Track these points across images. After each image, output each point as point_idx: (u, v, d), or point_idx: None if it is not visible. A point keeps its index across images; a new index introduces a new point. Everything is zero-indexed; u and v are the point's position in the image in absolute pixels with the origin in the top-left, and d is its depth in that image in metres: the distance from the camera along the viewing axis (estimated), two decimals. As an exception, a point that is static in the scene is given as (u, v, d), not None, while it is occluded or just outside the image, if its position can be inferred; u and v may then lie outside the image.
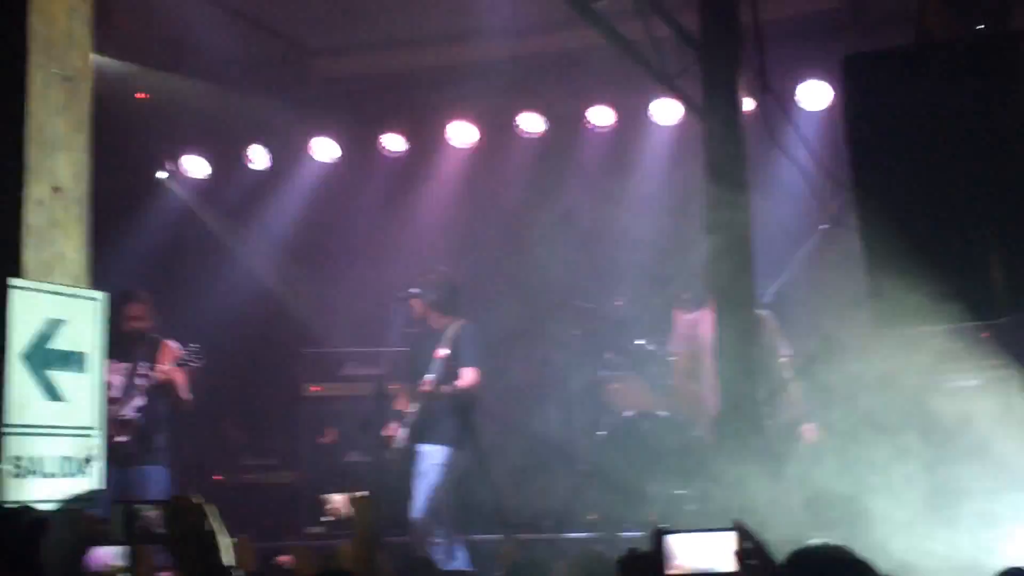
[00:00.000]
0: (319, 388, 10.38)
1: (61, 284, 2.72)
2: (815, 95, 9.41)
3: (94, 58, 3.00)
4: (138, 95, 10.28)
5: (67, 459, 2.71)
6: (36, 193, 2.71)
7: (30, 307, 2.63)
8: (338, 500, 4.62)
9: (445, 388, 8.13)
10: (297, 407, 10.49)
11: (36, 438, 2.64)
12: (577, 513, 9.48)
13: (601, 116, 10.35)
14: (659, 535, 3.34)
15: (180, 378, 8.61)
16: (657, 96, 9.75)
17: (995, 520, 7.55)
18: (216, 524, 2.78)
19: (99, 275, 3.06)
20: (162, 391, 8.52)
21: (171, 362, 8.45)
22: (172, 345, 8.71)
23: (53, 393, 2.69)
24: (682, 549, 3.39)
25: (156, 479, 8.58)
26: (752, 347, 6.77)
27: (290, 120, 10.90)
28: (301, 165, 11.24)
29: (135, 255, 10.77)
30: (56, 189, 2.73)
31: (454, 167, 11.07)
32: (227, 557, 2.90)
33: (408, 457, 8.40)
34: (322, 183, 11.30)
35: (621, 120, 10.31)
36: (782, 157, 7.08)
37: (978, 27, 5.85)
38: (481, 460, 6.91)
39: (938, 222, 5.20)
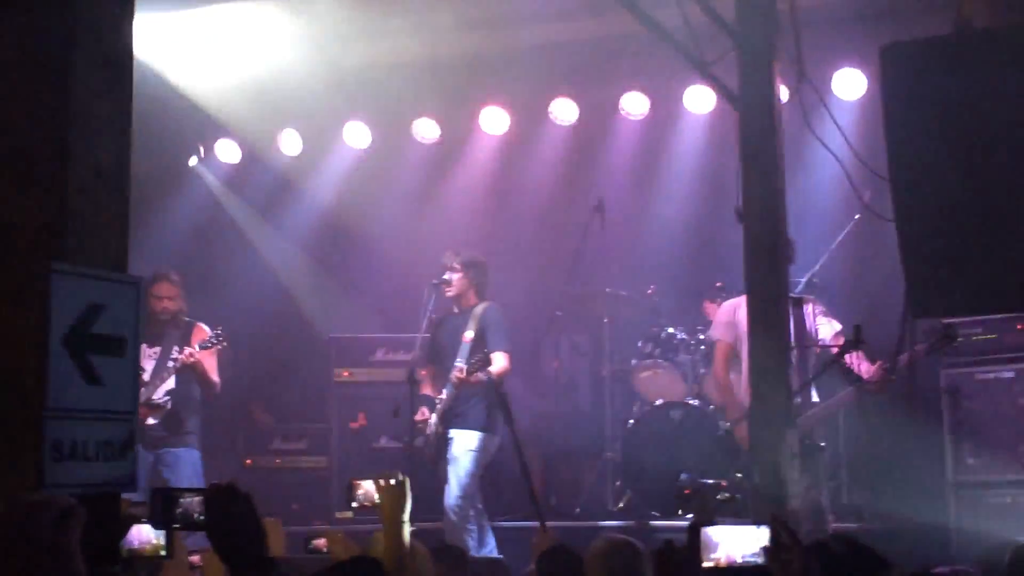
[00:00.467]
0: (349, 374, 10.42)
1: (102, 268, 2.72)
2: (851, 83, 9.34)
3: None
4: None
5: (106, 443, 2.72)
6: (78, 177, 2.71)
7: (72, 291, 2.63)
8: (369, 485, 4.60)
9: (480, 376, 8.12)
10: (328, 392, 10.52)
11: (76, 422, 2.65)
12: (607, 501, 9.50)
13: (635, 103, 10.30)
14: (696, 527, 3.34)
15: (209, 361, 8.65)
16: (692, 84, 9.71)
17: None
18: None
19: (131, 259, 3.07)
20: (191, 374, 8.57)
21: (196, 343, 8.50)
22: (205, 328, 8.76)
23: (93, 377, 2.69)
24: (718, 541, 3.39)
25: (187, 461, 8.64)
26: (784, 339, 6.74)
27: (323, 105, 10.90)
28: (333, 151, 11.25)
29: (166, 239, 10.83)
30: (98, 174, 2.73)
31: (486, 154, 11.06)
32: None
33: (439, 443, 8.42)
34: (354, 169, 11.31)
35: (655, 108, 10.27)
36: (818, 145, 7.02)
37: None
38: (517, 446, 6.89)
39: (976, 212, 5.16)
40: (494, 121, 10.73)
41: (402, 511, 4.47)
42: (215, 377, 8.76)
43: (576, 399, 10.58)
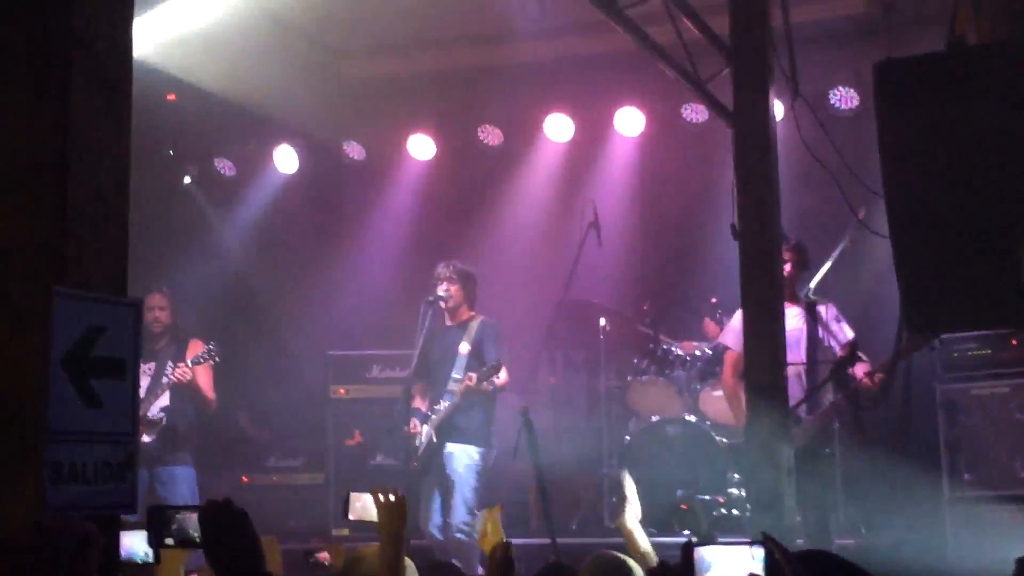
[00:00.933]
0: (345, 391, 10.41)
1: (102, 291, 2.72)
2: (846, 100, 9.38)
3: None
4: (168, 97, 10.34)
5: (106, 465, 2.72)
6: (78, 200, 2.71)
7: (72, 314, 2.63)
8: (367, 499, 4.60)
9: (487, 385, 8.11)
10: (324, 409, 10.52)
11: (76, 444, 2.65)
12: (603, 517, 9.49)
13: (630, 120, 10.33)
14: (689, 548, 3.33)
15: (204, 377, 8.62)
16: (687, 100, 9.74)
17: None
18: None
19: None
20: (186, 390, 8.55)
21: (189, 359, 8.47)
22: (200, 343, 8.73)
23: (93, 400, 2.69)
24: (712, 561, 3.38)
25: (183, 479, 8.60)
26: (780, 355, 6.75)
27: (319, 122, 10.93)
28: (328, 167, 11.27)
29: (162, 258, 10.83)
30: (98, 196, 2.73)
31: (482, 170, 11.09)
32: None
33: (430, 453, 8.39)
34: (349, 185, 11.34)
35: (650, 124, 10.30)
36: (812, 161, 7.05)
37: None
38: (539, 472, 6.87)
39: (971, 228, 5.17)
40: (489, 137, 10.76)
41: (400, 526, 4.47)
42: (211, 393, 8.73)
43: (572, 415, 10.57)
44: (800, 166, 7.48)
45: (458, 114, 10.80)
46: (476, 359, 8.37)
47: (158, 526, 2.92)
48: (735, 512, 8.75)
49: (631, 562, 4.73)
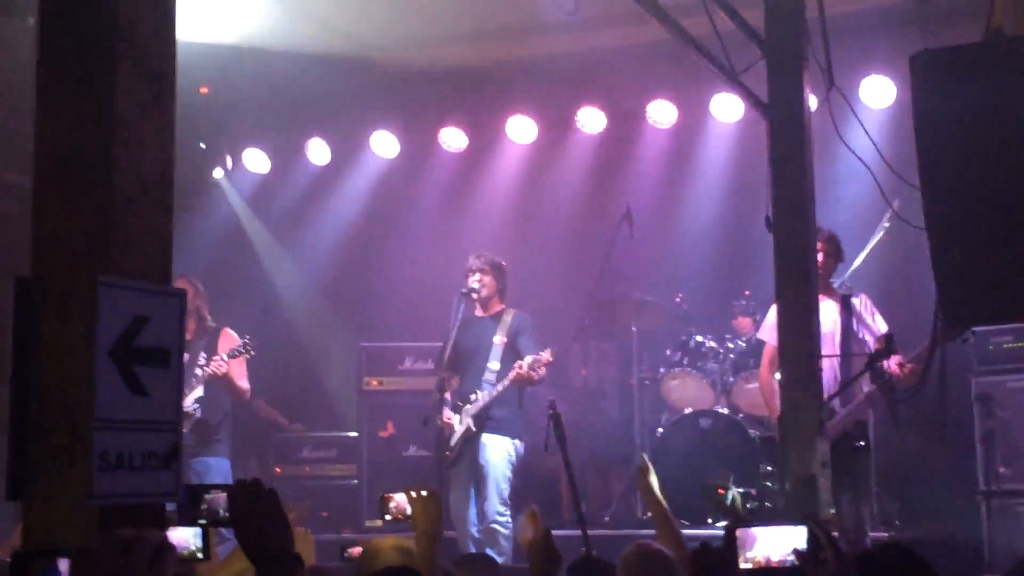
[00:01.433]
0: (378, 382, 10.45)
1: (147, 281, 2.75)
2: (880, 91, 9.34)
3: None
4: (201, 89, 10.40)
5: (152, 454, 2.75)
6: (123, 191, 2.74)
7: (117, 304, 2.66)
8: (401, 497, 4.63)
9: (534, 374, 8.15)
10: (356, 401, 10.56)
11: (122, 433, 2.68)
12: (636, 509, 9.50)
13: (663, 112, 10.31)
14: (732, 528, 3.34)
15: (238, 369, 8.68)
16: (720, 92, 9.71)
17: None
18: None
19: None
20: (220, 382, 8.60)
21: (224, 353, 8.52)
22: (232, 333, 8.78)
23: (138, 388, 2.72)
24: (755, 542, 3.39)
25: (217, 470, 8.66)
26: (815, 347, 6.73)
27: (351, 115, 10.97)
28: (361, 160, 11.30)
29: (195, 249, 10.90)
30: (143, 187, 2.76)
31: (514, 163, 11.10)
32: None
33: (467, 443, 8.43)
34: (382, 178, 11.37)
35: (683, 116, 10.28)
36: (847, 153, 7.02)
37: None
38: (568, 466, 6.88)
39: (1007, 220, 5.15)
40: (521, 130, 10.75)
41: (434, 523, 4.50)
42: (245, 384, 8.79)
43: (605, 408, 10.59)
44: (835, 157, 7.46)
45: (490, 107, 10.81)
46: (511, 351, 8.41)
47: (188, 505, 2.96)
48: (768, 504, 8.74)
49: (669, 552, 4.75)
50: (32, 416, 2.68)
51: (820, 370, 6.74)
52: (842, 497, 7.29)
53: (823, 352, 6.99)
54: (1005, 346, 8.14)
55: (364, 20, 9.89)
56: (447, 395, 8.58)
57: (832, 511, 6.73)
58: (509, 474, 8.34)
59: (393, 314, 11.16)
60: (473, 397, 8.42)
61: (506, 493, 8.31)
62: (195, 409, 8.58)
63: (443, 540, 4.49)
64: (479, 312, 8.73)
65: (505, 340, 8.48)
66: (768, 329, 8.31)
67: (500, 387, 8.31)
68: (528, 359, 8.17)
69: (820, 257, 7.63)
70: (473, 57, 10.46)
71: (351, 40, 10.24)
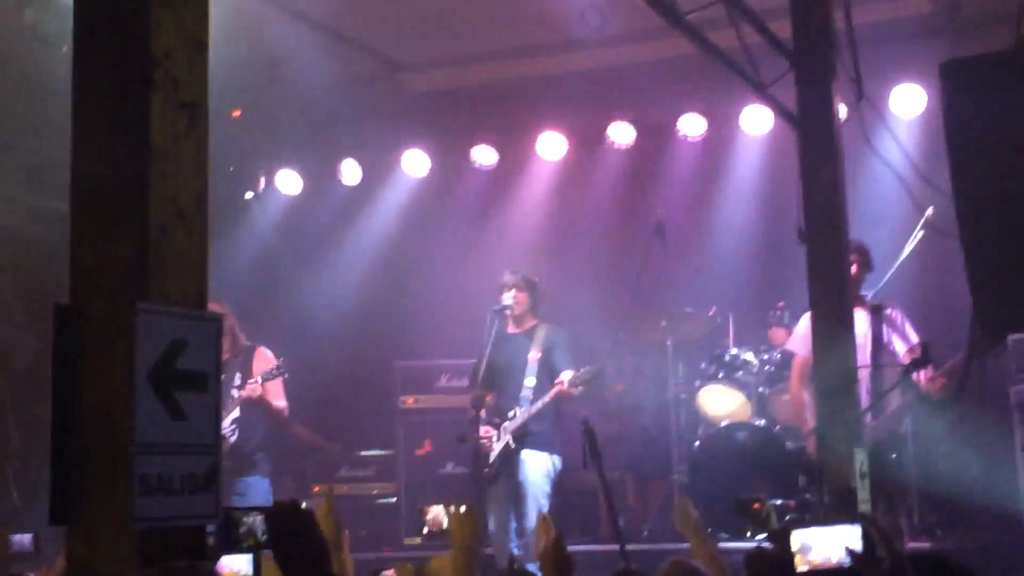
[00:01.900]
0: (414, 400, 10.48)
1: (184, 307, 2.80)
2: (910, 100, 9.30)
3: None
4: (234, 113, 10.49)
5: (191, 476, 2.78)
6: (159, 218, 2.78)
7: (155, 330, 2.70)
8: (437, 510, 4.66)
9: (574, 390, 8.17)
10: (393, 420, 10.59)
11: (163, 456, 2.72)
12: (673, 523, 9.46)
13: (692, 125, 10.31)
14: (786, 531, 3.32)
15: (274, 389, 8.71)
16: (749, 104, 9.70)
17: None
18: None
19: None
20: (256, 404, 8.64)
21: (259, 376, 8.55)
22: (267, 353, 8.82)
23: (178, 412, 2.76)
24: (809, 544, 3.37)
25: (257, 490, 8.69)
26: (850, 358, 6.72)
27: (382, 135, 11.03)
28: (392, 179, 11.35)
29: (228, 272, 10.98)
30: (179, 214, 2.81)
31: (545, 179, 11.12)
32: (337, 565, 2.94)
33: (507, 459, 8.44)
34: (413, 196, 11.41)
35: (712, 129, 10.28)
36: (878, 163, 7.01)
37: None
38: (603, 481, 6.89)
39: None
40: (552, 146, 10.77)
41: (471, 537, 4.52)
42: (282, 404, 8.83)
43: (641, 421, 10.56)
44: (866, 167, 7.44)
45: (520, 123, 10.84)
46: (546, 365, 8.43)
47: (227, 528, 2.98)
48: (807, 516, 8.70)
49: (703, 568, 4.74)
50: (74, 441, 2.71)
51: (856, 381, 6.73)
52: (876, 508, 7.25)
53: (858, 364, 6.98)
54: (1043, 353, 8.08)
55: (393, 40, 9.97)
56: (483, 412, 8.60)
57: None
58: (548, 489, 8.36)
59: (427, 332, 11.19)
60: (511, 414, 8.45)
61: (546, 508, 8.32)
62: (233, 430, 8.61)
63: (481, 556, 4.51)
64: (513, 329, 8.76)
65: (539, 355, 8.51)
66: (798, 340, 8.30)
67: (540, 404, 8.33)
68: (568, 374, 8.19)
69: (854, 269, 7.63)
70: (502, 74, 10.50)
71: (381, 60, 10.32)
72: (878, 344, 7.93)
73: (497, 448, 8.44)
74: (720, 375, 9.68)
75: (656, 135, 10.60)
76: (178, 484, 2.74)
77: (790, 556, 3.27)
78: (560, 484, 8.69)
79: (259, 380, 8.52)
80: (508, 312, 8.69)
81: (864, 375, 7.71)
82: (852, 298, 7.58)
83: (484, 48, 10.14)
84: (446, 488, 9.68)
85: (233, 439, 8.59)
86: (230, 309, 8.78)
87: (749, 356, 9.62)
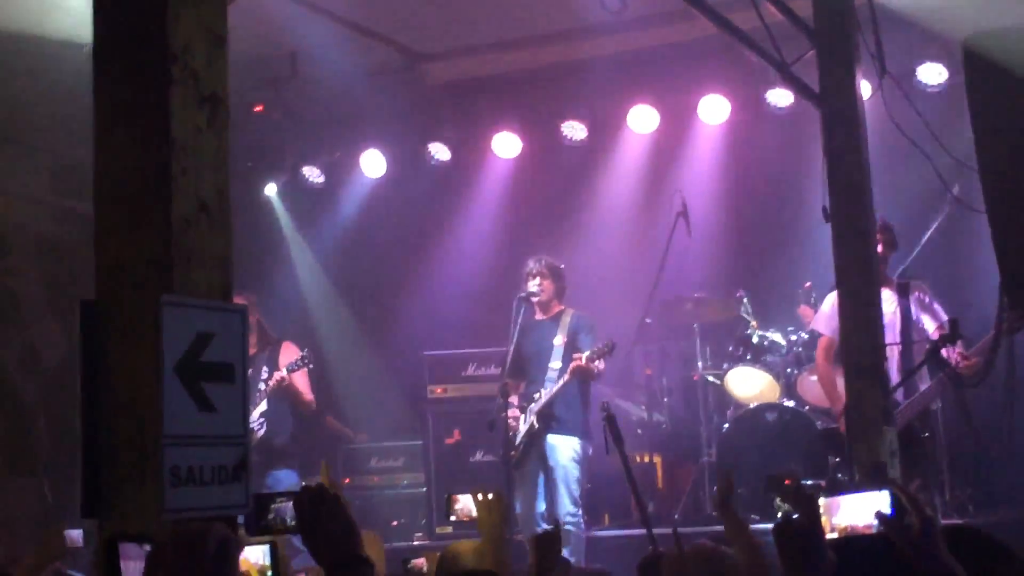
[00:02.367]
0: (443, 390, 10.50)
1: (209, 299, 2.81)
2: (934, 76, 9.24)
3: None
4: (255, 108, 10.51)
5: (221, 467, 2.80)
6: (182, 211, 2.80)
7: (181, 322, 2.72)
8: (467, 499, 4.68)
9: (595, 367, 8.18)
10: (421, 409, 10.62)
11: (192, 448, 2.74)
12: (705, 506, 9.47)
13: (715, 107, 10.25)
14: (816, 497, 3.30)
15: (301, 381, 8.74)
16: (772, 85, 9.65)
17: None
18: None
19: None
20: (285, 395, 8.67)
21: (285, 367, 8.59)
22: (293, 346, 8.86)
23: (205, 404, 2.78)
24: (837, 510, 3.35)
25: (287, 483, 8.74)
26: (878, 336, 6.69)
27: (404, 126, 11.04)
28: (416, 169, 11.37)
29: (254, 265, 11.03)
30: (202, 207, 2.82)
31: (568, 164, 11.11)
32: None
33: (532, 441, 8.47)
34: (437, 186, 11.42)
35: (736, 111, 10.23)
36: (903, 139, 6.96)
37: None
38: (626, 466, 6.88)
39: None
40: (574, 132, 10.74)
41: (500, 525, 4.53)
42: (309, 396, 8.87)
43: (670, 405, 10.56)
44: (890, 145, 7.39)
45: (541, 111, 10.82)
46: (571, 349, 8.45)
47: (255, 514, 2.99)
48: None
49: (728, 550, 4.73)
50: (104, 436, 2.74)
51: (885, 359, 6.70)
52: (910, 485, 7.23)
53: (887, 342, 6.94)
54: (1072, 327, 8.01)
55: (413, 31, 9.98)
56: (512, 399, 8.62)
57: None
58: (579, 474, 8.38)
59: (454, 321, 11.20)
60: (537, 396, 8.49)
61: (577, 493, 8.35)
62: (261, 424, 8.65)
63: (511, 543, 4.52)
64: (539, 316, 8.78)
65: (565, 340, 8.53)
66: (823, 320, 8.28)
67: (561, 382, 8.35)
68: (583, 356, 8.21)
69: (880, 248, 7.60)
70: (523, 62, 10.49)
71: (401, 51, 10.33)
72: (907, 322, 7.90)
73: (522, 430, 8.48)
74: (748, 357, 9.66)
75: (679, 118, 10.56)
76: (208, 475, 2.76)
77: (819, 523, 3.24)
78: (591, 468, 8.71)
79: (285, 371, 8.56)
80: (534, 299, 8.70)
81: (894, 353, 7.68)
82: (879, 277, 7.56)
83: (504, 36, 10.13)
84: (476, 476, 9.69)
85: (261, 433, 8.63)
86: (256, 303, 8.83)
87: (777, 337, 9.60)
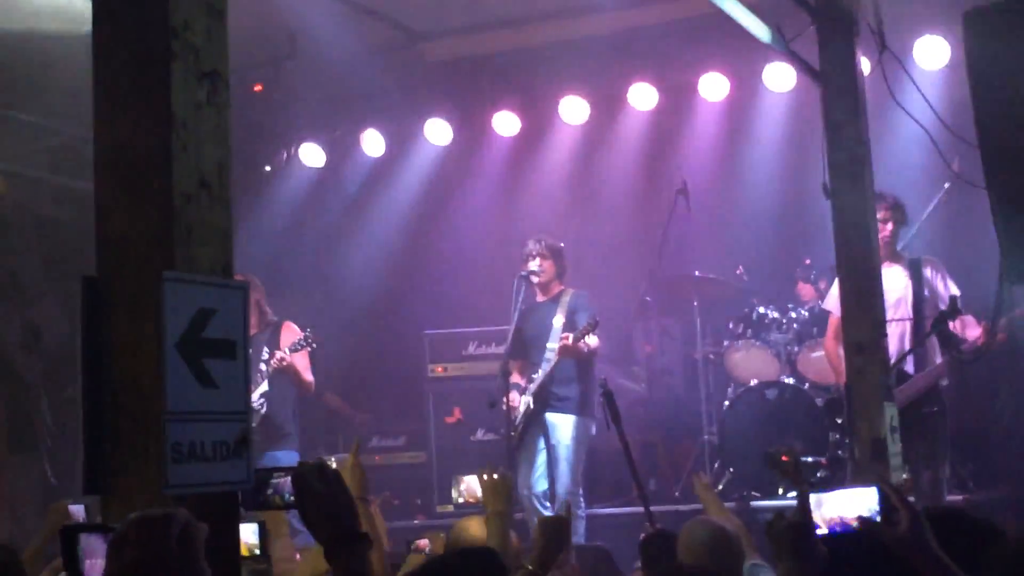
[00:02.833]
0: (443, 369, 10.51)
1: (210, 275, 2.81)
2: (934, 51, 9.22)
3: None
4: (255, 87, 10.50)
5: (223, 443, 2.80)
6: (183, 188, 2.79)
7: (182, 299, 2.72)
8: (471, 480, 4.70)
9: (583, 345, 8.20)
10: (422, 388, 10.63)
11: (194, 424, 2.74)
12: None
13: (714, 85, 10.23)
14: (806, 494, 3.34)
15: (302, 361, 8.75)
16: (771, 61, 9.63)
17: None
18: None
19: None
20: (285, 376, 8.68)
21: (286, 347, 8.59)
22: (294, 327, 8.87)
23: (207, 380, 2.77)
24: (829, 506, 3.38)
25: (287, 463, 8.72)
26: (879, 312, 6.69)
27: (403, 105, 11.02)
28: (415, 149, 11.35)
29: (254, 245, 11.03)
30: (202, 183, 2.82)
31: (568, 144, 11.09)
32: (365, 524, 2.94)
33: (529, 422, 8.48)
34: (437, 166, 11.41)
35: (735, 88, 10.21)
36: (903, 115, 6.95)
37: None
38: (625, 444, 6.90)
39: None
40: (574, 110, 10.72)
41: (505, 503, 4.55)
42: (309, 376, 8.87)
43: (670, 383, 10.59)
44: (890, 120, 7.39)
45: (541, 89, 10.80)
46: (570, 329, 8.46)
47: (254, 490, 2.99)
48: (840, 475, 8.70)
49: (728, 527, 4.76)
50: (106, 412, 2.73)
51: (885, 336, 6.70)
52: (918, 462, 7.26)
53: (894, 317, 6.95)
54: (1073, 303, 8.03)
55: (412, 9, 9.94)
56: (513, 379, 8.63)
57: (906, 476, 6.69)
58: (578, 452, 8.39)
59: (454, 301, 11.21)
60: (535, 376, 8.51)
61: (577, 473, 8.37)
62: (262, 404, 8.66)
63: (513, 521, 4.53)
64: (540, 297, 8.79)
65: (564, 320, 8.54)
66: (834, 300, 8.28)
67: (553, 362, 8.37)
68: (569, 335, 8.22)
69: (889, 225, 7.63)
70: (522, 41, 10.46)
71: (400, 30, 10.30)
72: (919, 298, 7.91)
73: (521, 410, 8.50)
74: (748, 334, 9.68)
75: (678, 96, 10.55)
76: (210, 451, 2.76)
77: (810, 520, 3.28)
78: (592, 447, 8.73)
79: (287, 351, 8.57)
80: (534, 280, 8.71)
81: (905, 329, 7.71)
82: (889, 254, 7.57)
83: (503, 15, 10.09)
84: (477, 455, 9.72)
85: (263, 413, 8.64)
86: (259, 283, 8.84)
87: (776, 315, 9.61)
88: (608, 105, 10.73)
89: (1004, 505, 8.10)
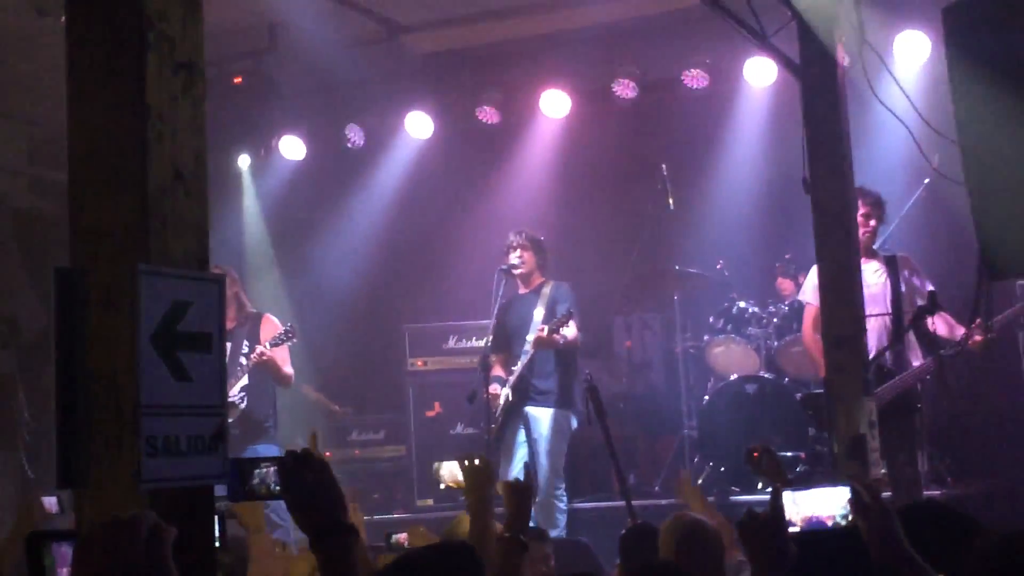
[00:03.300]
0: (423, 363, 10.49)
1: (185, 268, 2.79)
2: (914, 46, 9.22)
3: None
4: (234, 79, 10.45)
5: (198, 437, 2.78)
6: (159, 180, 2.77)
7: (157, 291, 2.70)
8: (452, 466, 4.69)
9: (558, 337, 8.19)
10: (402, 382, 10.61)
11: (168, 418, 2.72)
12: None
13: (696, 79, 10.21)
14: (778, 492, 3.35)
15: (281, 355, 8.71)
16: (752, 56, 9.62)
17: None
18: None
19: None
20: (264, 369, 8.64)
21: (267, 342, 8.55)
22: (273, 319, 8.83)
23: (182, 374, 2.75)
24: (799, 505, 3.40)
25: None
26: (857, 307, 6.70)
27: (385, 98, 10.99)
28: (396, 142, 11.32)
29: (234, 238, 11.00)
30: (178, 175, 2.79)
31: (549, 137, 11.07)
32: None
33: (508, 415, 8.48)
34: (418, 159, 11.38)
35: (715, 82, 10.20)
36: (883, 111, 6.96)
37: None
38: (608, 439, 6.90)
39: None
40: (555, 104, 10.69)
41: (486, 491, 4.54)
42: (288, 370, 8.83)
43: (650, 378, 10.58)
44: (870, 116, 7.40)
45: (523, 82, 10.77)
46: (549, 321, 8.45)
47: (238, 479, 2.96)
48: (819, 469, 8.72)
49: (707, 522, 4.77)
50: (80, 405, 2.71)
51: (864, 331, 6.71)
52: (897, 457, 7.28)
53: (873, 312, 6.96)
54: (1053, 298, 8.06)
55: (394, 2, 9.92)
56: (496, 372, 8.63)
57: (883, 471, 6.72)
58: (558, 445, 8.39)
59: (435, 294, 11.19)
60: (514, 369, 8.50)
61: (558, 465, 8.37)
62: (241, 398, 8.62)
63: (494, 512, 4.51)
64: (522, 290, 8.78)
65: (544, 312, 8.53)
66: (810, 291, 8.30)
67: (529, 355, 8.36)
68: (544, 327, 8.22)
69: (872, 222, 7.65)
70: (504, 33, 10.44)
71: (381, 22, 10.26)
72: (897, 293, 7.93)
73: (501, 404, 8.50)
74: (728, 329, 9.68)
75: (659, 90, 10.53)
76: (184, 445, 2.74)
77: (782, 518, 3.28)
78: (574, 440, 8.73)
79: (267, 345, 8.53)
80: (515, 272, 8.69)
81: (885, 323, 7.73)
82: (868, 250, 7.59)
83: (484, 8, 10.08)
84: (456, 449, 9.68)
85: (242, 407, 8.60)
86: (236, 276, 8.79)
87: (756, 309, 9.62)
88: (590, 98, 10.71)
89: (979, 499, 8.13)
